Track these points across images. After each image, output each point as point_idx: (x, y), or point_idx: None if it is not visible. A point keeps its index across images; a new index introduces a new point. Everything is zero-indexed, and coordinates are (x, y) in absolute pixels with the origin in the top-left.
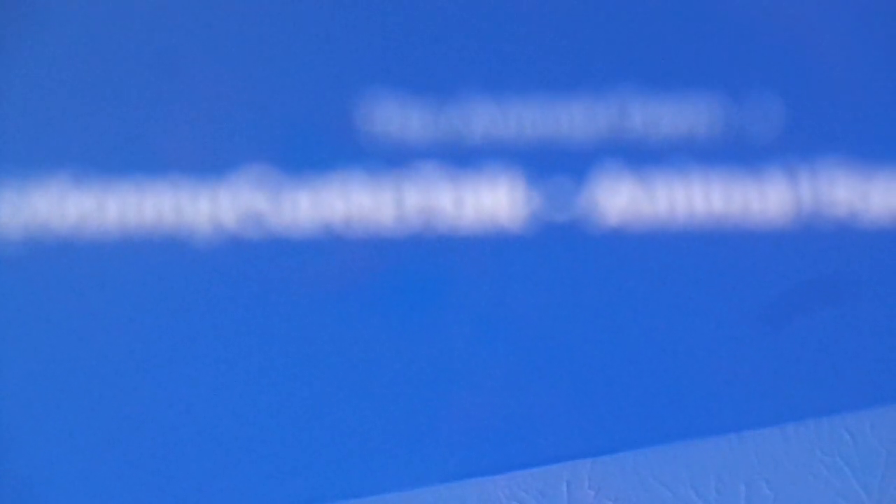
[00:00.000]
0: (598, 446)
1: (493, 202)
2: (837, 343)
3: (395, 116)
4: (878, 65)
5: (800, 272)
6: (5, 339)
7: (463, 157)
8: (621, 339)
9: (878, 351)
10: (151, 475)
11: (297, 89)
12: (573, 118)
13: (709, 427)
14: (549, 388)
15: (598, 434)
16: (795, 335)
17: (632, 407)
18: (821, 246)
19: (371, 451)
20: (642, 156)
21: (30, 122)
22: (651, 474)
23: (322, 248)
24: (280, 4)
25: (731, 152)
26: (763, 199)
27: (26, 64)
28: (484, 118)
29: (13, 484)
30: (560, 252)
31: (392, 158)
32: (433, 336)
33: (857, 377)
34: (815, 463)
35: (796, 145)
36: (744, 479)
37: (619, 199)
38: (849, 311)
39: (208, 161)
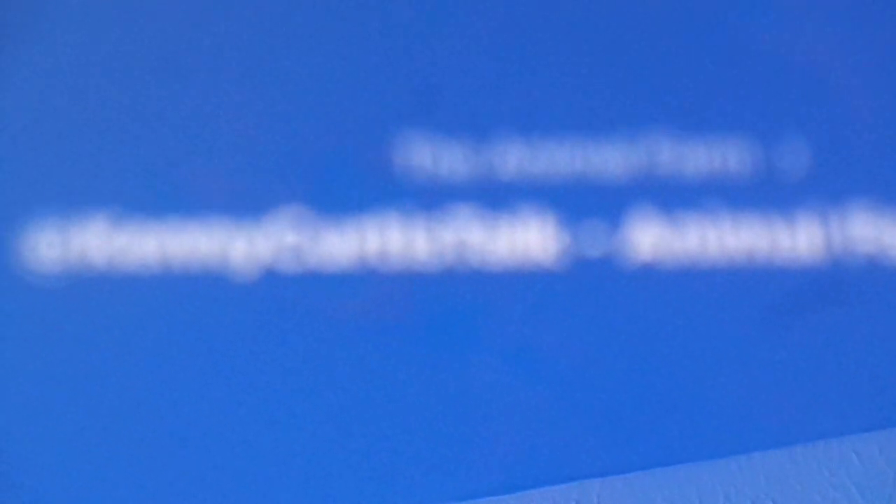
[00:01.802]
0: (607, 466)
1: (526, 240)
2: (847, 366)
3: (429, 156)
4: None
5: (820, 305)
6: (47, 374)
7: (496, 196)
8: (641, 365)
9: (887, 374)
10: None
11: (333, 129)
12: (605, 158)
13: (717, 448)
14: (561, 409)
15: (607, 454)
16: (805, 358)
17: (641, 427)
18: (841, 280)
19: (394, 473)
20: (673, 195)
21: (70, 161)
22: (660, 495)
23: (357, 285)
24: (318, 46)
25: (761, 193)
26: (792, 239)
27: (70, 103)
28: (517, 158)
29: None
30: (590, 290)
31: (427, 197)
32: (462, 369)
33: (866, 399)
34: (824, 484)
35: (825, 187)
36: (752, 500)
37: (650, 239)
38: (859, 337)
39: (246, 200)
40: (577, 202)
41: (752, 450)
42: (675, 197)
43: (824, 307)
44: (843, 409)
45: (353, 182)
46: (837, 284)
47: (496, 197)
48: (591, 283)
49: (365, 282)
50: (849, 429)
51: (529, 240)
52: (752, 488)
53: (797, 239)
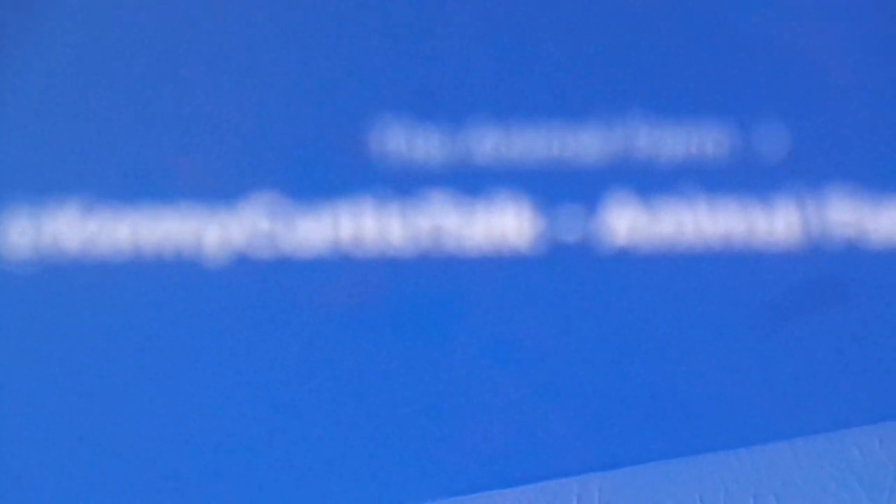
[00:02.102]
0: (607, 460)
1: (502, 226)
2: (846, 359)
3: (404, 141)
4: (885, 91)
5: (807, 293)
6: (18, 360)
7: (472, 182)
8: (630, 356)
9: (887, 367)
10: (161, 492)
11: (306, 114)
12: (581, 142)
13: (718, 441)
14: (559, 403)
15: (607, 448)
16: (804, 351)
17: (641, 421)
18: (828, 267)
19: (381, 466)
20: (649, 180)
21: (42, 147)
22: (661, 488)
23: (332, 271)
24: (290, 30)
25: (738, 177)
26: (769, 223)
27: (39, 89)
28: (493, 143)
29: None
30: (567, 275)
31: (401, 182)
32: (442, 357)
33: (866, 392)
34: (825, 477)
35: (802, 170)
36: (753, 494)
37: (627, 223)
38: (857, 328)
39: (219, 185)
40: (553, 187)
41: (753, 443)
42: (652, 182)
43: (819, 296)
44: (844, 402)
45: (328, 168)
46: (824, 271)
47: (472, 182)
48: (569, 269)
49: (340, 268)
50: (850, 422)
51: (506, 225)
52: (753, 481)
53: (775, 224)
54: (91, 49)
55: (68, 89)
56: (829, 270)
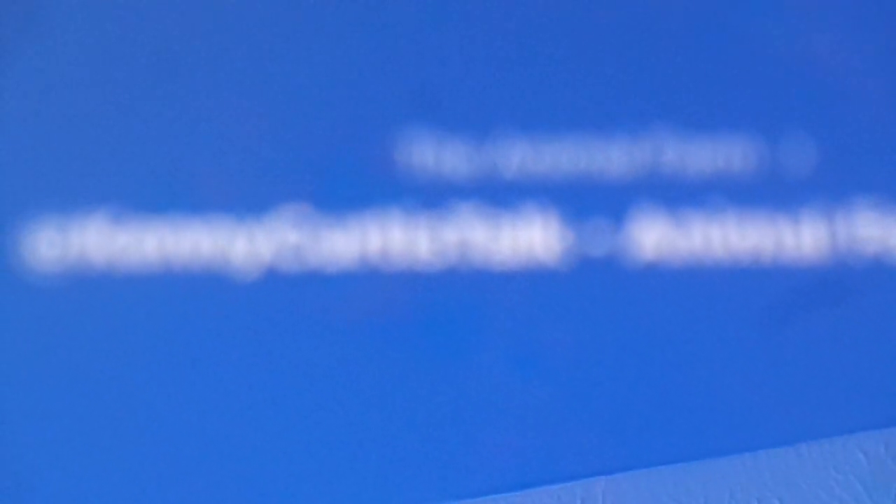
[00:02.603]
0: (612, 464)
1: (529, 239)
2: (853, 363)
3: (432, 154)
4: None
5: (825, 303)
6: (46, 372)
7: (499, 195)
8: (646, 364)
9: (893, 371)
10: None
11: (335, 127)
12: (609, 156)
13: (723, 446)
14: (566, 407)
15: (612, 452)
16: (812, 356)
17: (646, 425)
18: (846, 278)
19: (391, 470)
20: (677, 194)
21: (70, 160)
22: (665, 492)
23: (359, 283)
24: (320, 43)
25: (766, 191)
26: (796, 236)
27: (68, 102)
28: (520, 156)
29: None
30: (594, 288)
31: (429, 195)
32: (465, 368)
33: (872, 397)
34: (829, 482)
35: (830, 184)
36: (757, 498)
37: (654, 237)
38: (865, 334)
39: (246, 198)
40: (580, 201)
41: (758, 447)
42: (679, 195)
43: (830, 305)
44: (849, 406)
45: (356, 180)
46: (842, 282)
47: (499, 195)
48: (595, 282)
49: (367, 281)
50: (855, 426)
51: (533, 238)
52: (757, 486)
53: (802, 237)
54: (119, 62)
55: (97, 101)
56: (849, 280)
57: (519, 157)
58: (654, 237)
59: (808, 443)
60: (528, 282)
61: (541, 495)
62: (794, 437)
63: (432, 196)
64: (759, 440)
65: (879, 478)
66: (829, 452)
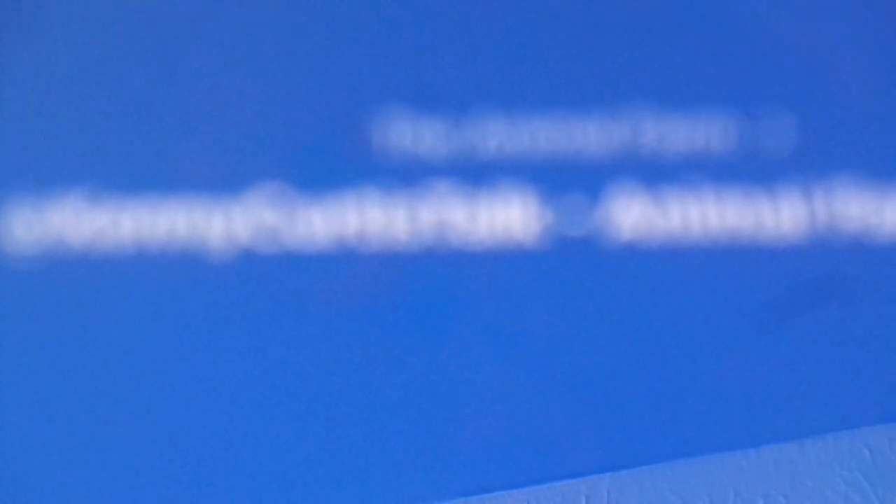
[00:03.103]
0: (616, 461)
1: (507, 218)
2: (856, 358)
3: (408, 133)
4: (892, 83)
5: (816, 288)
6: (21, 353)
7: (476, 174)
8: (639, 354)
9: None
10: (161, 489)
11: (310, 106)
12: (586, 135)
13: (727, 441)
14: (567, 403)
15: (616, 449)
16: (814, 350)
17: (650, 422)
18: (836, 261)
19: (388, 465)
20: (655, 172)
21: (45, 140)
22: (669, 489)
23: (336, 263)
24: (294, 22)
25: (744, 169)
26: (776, 215)
27: (42, 81)
28: (497, 134)
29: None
30: (573, 267)
31: (406, 174)
32: (448, 351)
33: (876, 392)
34: (834, 477)
35: (809, 161)
36: (762, 494)
37: (633, 215)
38: (867, 327)
39: (222, 177)
40: (558, 180)
41: (762, 443)
42: (658, 174)
43: (824, 292)
44: (854, 401)
45: (333, 160)
46: (829, 265)
47: (477, 175)
48: (574, 261)
49: (344, 260)
50: (859, 422)
51: (511, 218)
52: (762, 482)
53: (782, 215)
54: (93, 41)
55: (70, 81)
56: (837, 264)
57: (497, 136)
58: (633, 216)
59: (813, 438)
60: (507, 261)
61: (546, 492)
62: (799, 433)
63: (410, 175)
64: (763, 436)
65: (884, 473)
66: (834, 448)
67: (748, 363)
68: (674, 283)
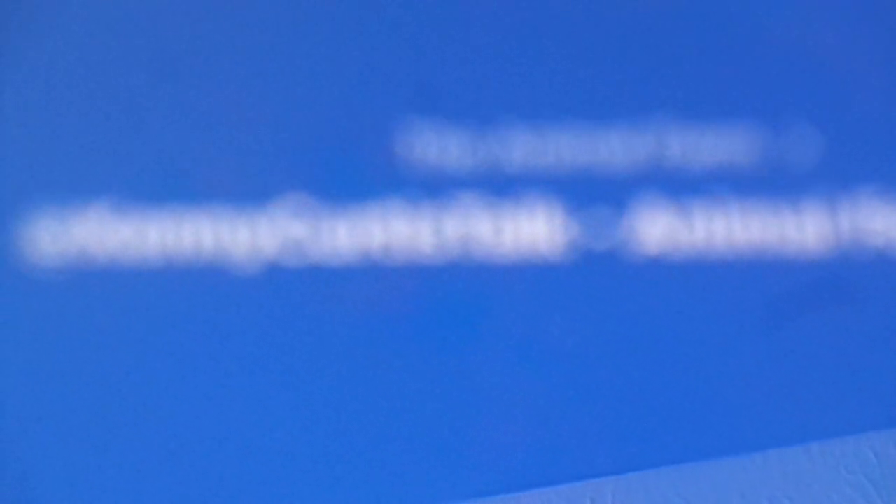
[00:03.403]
0: (622, 464)
1: (532, 231)
2: (863, 362)
3: (434, 145)
4: None
5: (828, 296)
6: (46, 364)
7: (502, 186)
8: (648, 360)
9: None
10: (190, 500)
11: (336, 118)
12: (612, 147)
13: (733, 445)
14: (575, 406)
15: (622, 452)
16: (822, 354)
17: (656, 425)
18: (859, 273)
19: (399, 468)
20: (681, 185)
21: (70, 150)
22: (675, 492)
23: (361, 276)
24: (318, 34)
25: (770, 182)
26: (800, 228)
27: (68, 93)
28: (523, 147)
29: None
30: (597, 280)
31: (431, 187)
32: (468, 361)
33: (883, 396)
34: (840, 481)
35: (835, 175)
36: (768, 498)
37: (658, 229)
38: (875, 332)
39: (247, 189)
40: (584, 192)
41: (768, 447)
42: (683, 187)
43: (836, 298)
44: (860, 405)
45: (358, 172)
46: (850, 276)
47: (502, 187)
48: (599, 273)
49: (369, 273)
50: (865, 426)
51: (536, 230)
52: (767, 486)
53: (806, 229)
54: (119, 50)
55: (96, 92)
56: (860, 276)
57: (522, 148)
58: (658, 229)
59: (819, 442)
60: (532, 273)
61: (550, 495)
62: (805, 437)
63: (435, 188)
64: (769, 440)
65: (889, 477)
66: (840, 452)
67: (755, 367)
68: (694, 294)
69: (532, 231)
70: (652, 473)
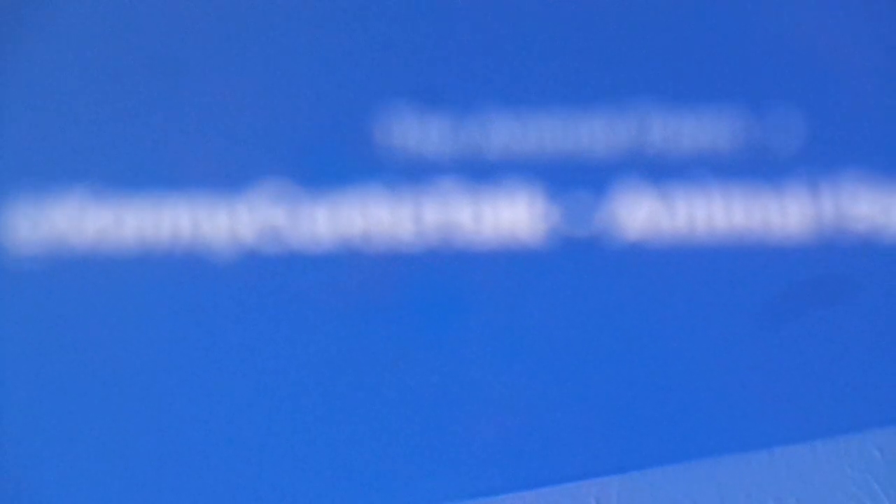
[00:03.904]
0: (626, 463)
1: (512, 217)
2: (867, 359)
3: (413, 130)
4: None
5: (824, 287)
6: (23, 352)
7: (481, 172)
8: (647, 355)
9: None
10: (165, 490)
11: (314, 103)
12: (592, 132)
13: (738, 443)
14: (575, 404)
15: (626, 450)
16: (825, 351)
17: (660, 423)
18: (845, 260)
19: (394, 467)
20: (662, 170)
21: (47, 137)
22: (680, 491)
23: (340, 262)
24: (297, 19)
25: (751, 166)
26: (783, 213)
27: (45, 78)
28: (502, 132)
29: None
30: (579, 267)
31: (410, 172)
32: (454, 350)
33: (888, 394)
34: (845, 479)
35: (816, 159)
36: (773, 496)
37: (639, 214)
38: (877, 328)
39: (226, 175)
40: (564, 178)
41: (774, 445)
42: (664, 172)
43: (824, 287)
44: (865, 403)
45: (337, 158)
46: (833, 261)
47: (482, 173)
48: (581, 260)
49: (348, 259)
50: (871, 424)
51: (517, 216)
52: (773, 484)
53: (790, 214)
54: (94, 38)
55: (71, 79)
56: (847, 263)
57: (502, 134)
58: (640, 214)
59: (824, 440)
60: (512, 259)
61: (555, 494)
62: (810, 435)
63: (414, 174)
64: (774, 438)
65: (894, 475)
66: (845, 450)
67: (758, 364)
68: (682, 282)
69: (513, 217)
70: (657, 472)
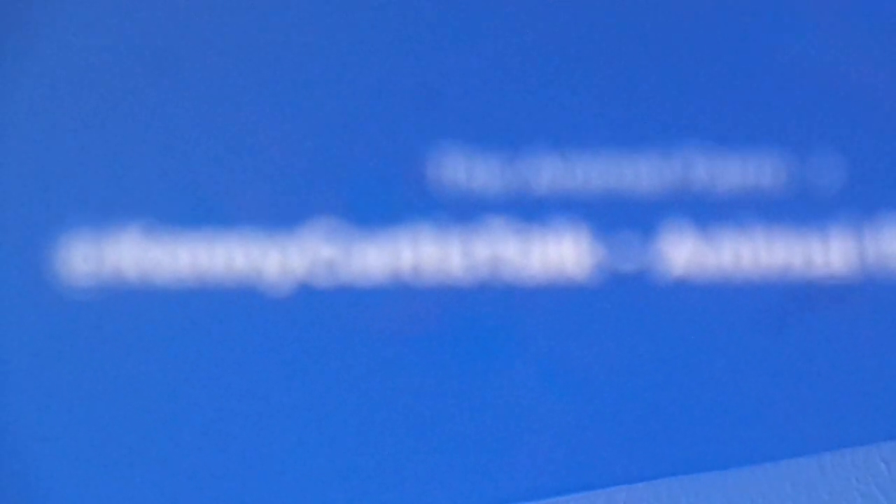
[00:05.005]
0: (634, 474)
1: (560, 254)
2: (875, 373)
3: (464, 169)
4: None
5: (858, 323)
6: (81, 386)
7: (530, 210)
8: (665, 372)
9: None
10: None
11: (367, 142)
12: (639, 172)
13: (744, 456)
14: (588, 417)
15: (634, 461)
16: (833, 365)
17: (668, 435)
18: (879, 296)
19: (418, 482)
20: (707, 209)
21: (105, 173)
22: (687, 502)
23: (390, 297)
24: (352, 57)
25: (795, 206)
26: (826, 253)
27: (103, 115)
28: (550, 171)
29: None
30: (624, 303)
31: (460, 210)
32: (501, 385)
33: (894, 407)
34: (851, 492)
35: (860, 200)
36: None
37: (684, 252)
38: (889, 345)
39: (280, 212)
40: (610, 216)
41: (780, 458)
42: (708, 211)
43: (860, 321)
44: (871, 416)
45: (387, 195)
46: (873, 299)
47: (530, 210)
48: (625, 297)
49: (398, 295)
50: (876, 436)
51: (564, 254)
52: (779, 496)
53: (831, 253)
54: (153, 76)
55: (130, 113)
56: (882, 299)
57: (550, 172)
58: (683, 253)
59: (831, 453)
60: (559, 297)
61: None
62: (817, 448)
63: (463, 211)
64: (781, 450)
65: None
66: (851, 462)
67: (767, 378)
68: (719, 315)
69: (559, 254)
70: (664, 483)
